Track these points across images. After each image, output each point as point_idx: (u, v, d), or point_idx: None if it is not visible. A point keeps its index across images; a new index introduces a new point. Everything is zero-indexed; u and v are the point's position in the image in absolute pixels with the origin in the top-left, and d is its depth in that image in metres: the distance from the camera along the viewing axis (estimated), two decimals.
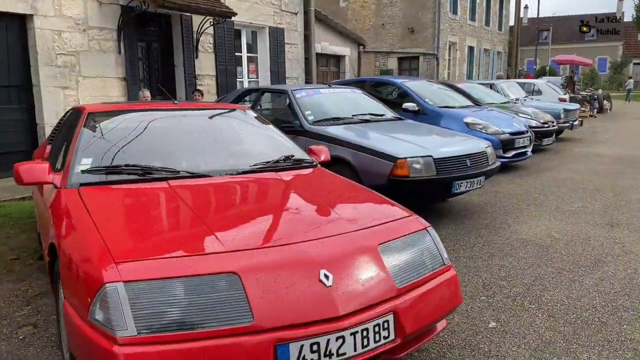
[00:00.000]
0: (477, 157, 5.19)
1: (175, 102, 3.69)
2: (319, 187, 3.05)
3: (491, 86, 12.50)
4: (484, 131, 7.75)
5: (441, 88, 9.51)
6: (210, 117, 3.65)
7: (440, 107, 8.32)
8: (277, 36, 11.39)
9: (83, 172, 2.78)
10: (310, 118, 5.67)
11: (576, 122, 12.13)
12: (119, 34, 8.11)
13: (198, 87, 9.35)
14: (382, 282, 2.13)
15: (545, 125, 10.04)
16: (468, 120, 7.90)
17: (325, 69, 15.34)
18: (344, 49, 15.70)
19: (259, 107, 6.57)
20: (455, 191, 4.97)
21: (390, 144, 5.00)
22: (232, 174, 2.92)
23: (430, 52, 20.11)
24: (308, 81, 12.41)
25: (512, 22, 28.64)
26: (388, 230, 2.40)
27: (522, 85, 16.59)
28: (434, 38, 19.97)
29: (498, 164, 5.57)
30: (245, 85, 11.03)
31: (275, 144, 3.57)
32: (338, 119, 5.75)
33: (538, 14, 45.84)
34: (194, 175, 2.85)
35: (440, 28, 19.93)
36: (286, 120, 5.86)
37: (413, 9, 20.21)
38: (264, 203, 2.65)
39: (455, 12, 21.87)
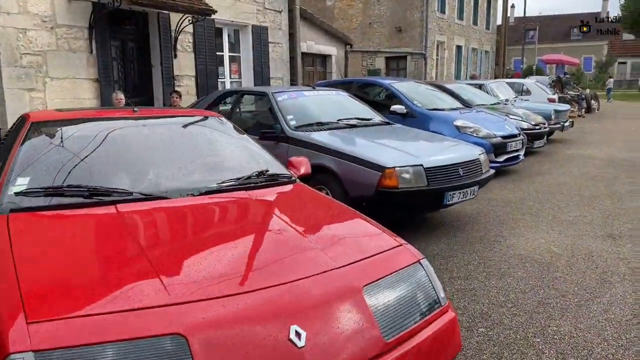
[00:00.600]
0: (470, 165, 4.83)
1: (135, 109, 3.26)
2: (295, 209, 2.65)
3: (480, 87, 12.21)
4: (475, 135, 7.42)
5: (429, 89, 9.17)
6: (174, 127, 3.23)
7: (429, 109, 7.97)
8: (260, 35, 10.97)
9: (17, 194, 2.36)
10: (293, 123, 5.27)
11: (567, 123, 11.88)
12: (91, 32, 7.63)
13: (177, 88, 8.90)
14: (367, 336, 1.74)
15: (537, 127, 9.75)
16: (458, 123, 7.56)
17: (311, 69, 14.94)
18: (331, 49, 15.32)
19: (238, 111, 6.16)
20: (448, 202, 4.61)
21: (378, 152, 4.62)
22: (194, 194, 2.51)
23: (418, 52, 19.80)
24: (293, 81, 12.01)
25: (499, 21, 28.50)
26: (375, 266, 2.02)
27: (511, 85, 16.39)
28: (421, 37, 19.66)
29: (492, 172, 5.22)
30: (228, 86, 10.59)
31: (248, 156, 3.16)
32: (322, 123, 5.35)
33: (524, 13, 45.90)
34: (148, 197, 2.43)
35: (428, 27, 19.62)
36: (267, 125, 5.46)
37: (400, 8, 19.87)
38: (227, 233, 2.23)
39: (443, 11, 21.59)
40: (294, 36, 11.92)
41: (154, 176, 2.65)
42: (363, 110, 6.06)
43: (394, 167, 4.34)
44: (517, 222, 5.24)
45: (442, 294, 2.11)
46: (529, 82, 16.81)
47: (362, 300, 1.83)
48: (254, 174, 2.83)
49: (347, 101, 6.18)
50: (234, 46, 10.88)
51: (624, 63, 53.15)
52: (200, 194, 2.53)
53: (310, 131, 5.14)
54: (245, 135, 3.45)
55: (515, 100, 12.28)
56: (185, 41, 9.24)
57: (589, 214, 5.53)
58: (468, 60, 25.06)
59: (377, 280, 1.94)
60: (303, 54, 14.07)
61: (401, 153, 4.62)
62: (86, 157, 2.66)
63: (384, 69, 20.69)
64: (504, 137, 7.61)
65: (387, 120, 6.05)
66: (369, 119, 5.80)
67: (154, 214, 2.33)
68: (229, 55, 10.66)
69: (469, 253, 4.32)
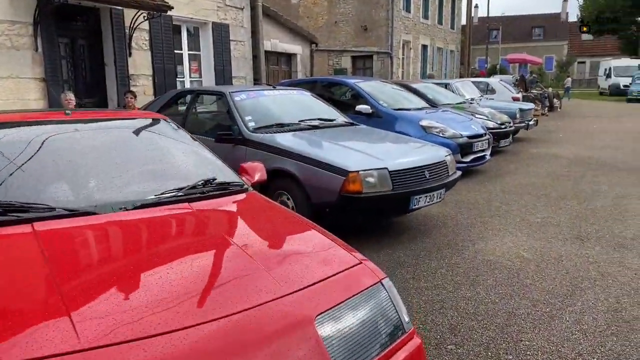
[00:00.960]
0: (436, 167, 4.65)
1: (67, 112, 2.91)
2: (244, 223, 2.38)
3: (446, 86, 12.17)
4: (441, 135, 7.29)
5: (395, 89, 9.01)
6: (112, 131, 2.90)
7: (395, 109, 7.81)
8: (221, 33, 10.61)
9: None
10: (251, 124, 4.98)
11: (532, 122, 11.95)
12: (35, 28, 7.14)
13: (132, 88, 8.47)
14: None
15: (502, 127, 9.72)
16: (424, 123, 7.41)
17: (276, 68, 14.64)
18: (296, 47, 15.05)
19: (194, 112, 5.83)
20: (414, 207, 4.41)
21: (341, 155, 4.38)
22: (127, 209, 2.21)
23: (384, 51, 19.73)
24: (257, 81, 11.69)
25: (464, 21, 28.79)
26: (330, 290, 1.76)
27: (476, 84, 16.47)
28: (387, 36, 19.60)
29: (459, 173, 5.06)
30: (188, 85, 10.20)
31: (195, 163, 2.86)
32: (283, 125, 5.08)
33: (488, 14, 46.72)
34: (73, 213, 2.12)
35: (393, 26, 19.57)
36: (225, 126, 5.16)
37: (366, 7, 19.76)
38: (160, 255, 1.93)
39: (408, 10, 21.60)
40: (256, 34, 11.59)
41: (82, 188, 2.33)
42: (326, 111, 5.82)
43: (358, 171, 4.11)
44: (485, 225, 5.09)
45: (406, 318, 1.87)
46: (494, 81, 16.94)
47: (314, 333, 1.57)
48: (200, 183, 2.53)
49: (310, 101, 5.93)
50: (195, 44, 10.48)
51: (583, 63, 54.73)
52: (135, 208, 2.22)
53: (270, 133, 4.87)
54: (194, 140, 3.14)
55: (480, 100, 12.28)
56: (141, 39, 8.81)
57: (557, 215, 5.44)
58: (434, 59, 25.21)
59: (332, 307, 1.68)
60: (267, 52, 13.77)
61: (365, 156, 4.40)
62: (4, 165, 2.32)
63: (350, 68, 20.55)
64: (470, 137, 7.50)
65: (351, 121, 5.82)
66: (332, 120, 5.56)
67: (75, 234, 2.01)
68: (189, 54, 10.27)
69: (437, 259, 4.12)
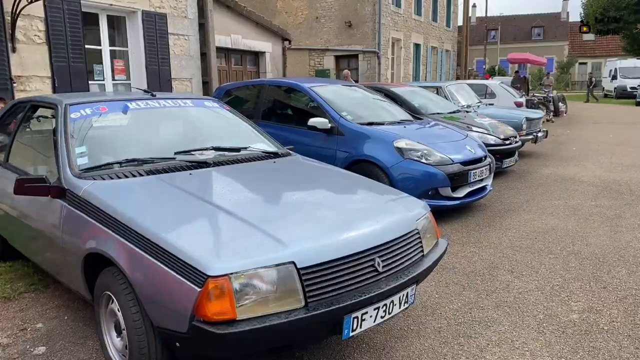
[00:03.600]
0: (399, 247, 2.52)
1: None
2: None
3: (437, 90, 10.07)
4: (423, 160, 5.20)
5: (368, 95, 6.91)
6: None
7: (362, 123, 5.71)
8: (156, 24, 8.49)
9: None
10: (82, 162, 2.87)
11: (540, 134, 9.84)
12: None
13: (20, 94, 6.37)
14: None
15: (507, 142, 7.64)
16: (401, 144, 5.30)
17: (239, 68, 12.52)
18: (264, 44, 12.94)
19: (23, 132, 3.69)
20: (351, 333, 2.28)
21: (204, 233, 2.28)
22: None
23: (370, 50, 17.62)
24: (205, 83, 9.59)
25: (460, 19, 26.68)
26: None
27: (471, 86, 14.40)
28: (374, 33, 17.48)
29: (442, 248, 2.92)
30: (109, 89, 8.08)
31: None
32: (140, 162, 2.95)
33: (486, 13, 44.90)
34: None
35: (381, 22, 17.45)
36: (45, 161, 3.06)
37: (350, 0, 17.66)
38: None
39: (398, 4, 19.49)
40: (205, 27, 9.48)
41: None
42: (235, 134, 3.67)
43: (228, 275, 1.99)
44: (488, 328, 2.98)
45: None
46: (494, 83, 14.87)
47: None
48: None
49: (212, 117, 3.78)
50: (122, 39, 8.37)
51: (585, 64, 52.74)
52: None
53: (109, 177, 2.75)
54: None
55: (478, 106, 10.19)
56: (31, 29, 6.68)
57: (603, 304, 3.33)
58: (427, 60, 23.09)
59: None
60: (228, 50, 11.71)
61: (255, 234, 2.24)
62: None
63: (333, 68, 18.46)
64: (464, 163, 5.39)
65: (275, 150, 3.63)
66: (239, 150, 3.38)
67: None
68: (111, 50, 8.14)
69: None
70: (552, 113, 18.41)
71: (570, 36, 51.33)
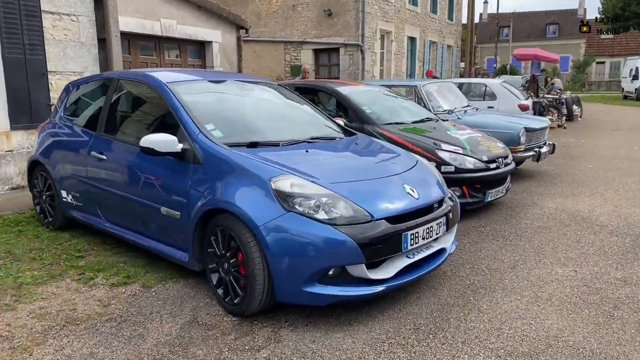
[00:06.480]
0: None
1: None
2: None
3: (413, 90, 7.74)
4: (320, 215, 2.87)
5: (280, 98, 4.59)
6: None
7: (235, 144, 3.38)
8: None
9: None
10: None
11: (545, 149, 7.45)
12: None
13: None
14: None
15: (492, 166, 5.30)
16: (283, 184, 2.95)
17: (176, 61, 10.27)
18: (211, 32, 10.68)
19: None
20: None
21: None
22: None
23: (352, 42, 15.28)
24: None
25: (464, 11, 24.19)
26: None
27: (469, 86, 12.03)
28: (357, 24, 15.13)
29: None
30: None
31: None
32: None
33: (497, 10, 42.28)
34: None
35: (365, 10, 15.09)
36: None
37: None
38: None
39: None
40: (104, 5, 7.26)
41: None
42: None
43: None
44: None
45: None
46: (494, 82, 12.46)
47: None
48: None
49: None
50: None
51: (602, 63, 49.79)
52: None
53: None
54: None
55: (465, 111, 7.84)
56: None
57: None
58: (425, 55, 20.66)
59: None
60: (160, 38, 9.48)
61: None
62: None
63: (312, 64, 16.13)
64: (397, 218, 3.03)
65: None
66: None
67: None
68: None
69: None
70: (564, 117, 15.95)
71: (587, 34, 48.38)
